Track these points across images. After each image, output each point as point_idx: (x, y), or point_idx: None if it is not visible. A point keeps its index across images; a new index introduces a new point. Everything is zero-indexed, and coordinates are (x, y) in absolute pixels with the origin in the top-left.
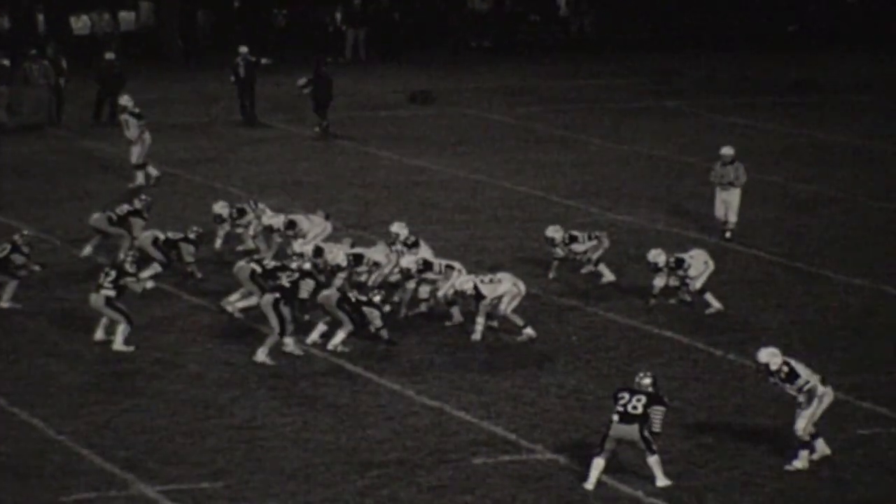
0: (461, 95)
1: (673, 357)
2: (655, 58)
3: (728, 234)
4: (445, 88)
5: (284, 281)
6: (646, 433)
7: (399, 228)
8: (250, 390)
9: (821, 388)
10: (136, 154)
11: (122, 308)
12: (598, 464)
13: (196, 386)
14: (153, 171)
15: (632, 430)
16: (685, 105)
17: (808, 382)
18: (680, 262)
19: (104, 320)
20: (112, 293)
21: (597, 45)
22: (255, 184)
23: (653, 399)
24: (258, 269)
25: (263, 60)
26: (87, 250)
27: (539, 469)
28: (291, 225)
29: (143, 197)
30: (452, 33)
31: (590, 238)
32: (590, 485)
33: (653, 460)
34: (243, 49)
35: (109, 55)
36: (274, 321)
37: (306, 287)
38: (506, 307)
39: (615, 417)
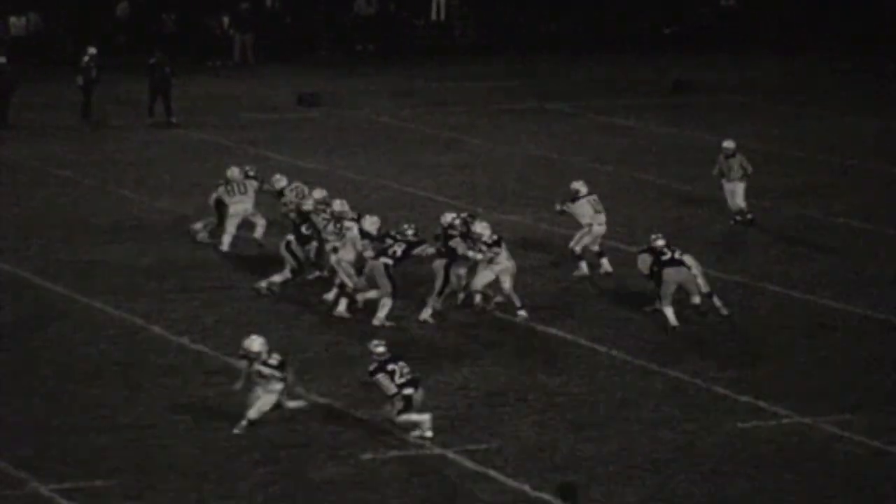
0: (348, 97)
1: (559, 353)
2: (536, 60)
3: (750, 216)
4: (332, 91)
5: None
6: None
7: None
8: (142, 389)
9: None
10: None
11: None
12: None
13: (88, 385)
14: None
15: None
16: (567, 106)
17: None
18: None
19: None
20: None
21: (479, 48)
22: (146, 186)
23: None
24: (390, 262)
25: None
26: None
27: (428, 464)
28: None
29: None
30: (338, 36)
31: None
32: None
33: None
34: (92, 50)
35: (1, 59)
36: (388, 285)
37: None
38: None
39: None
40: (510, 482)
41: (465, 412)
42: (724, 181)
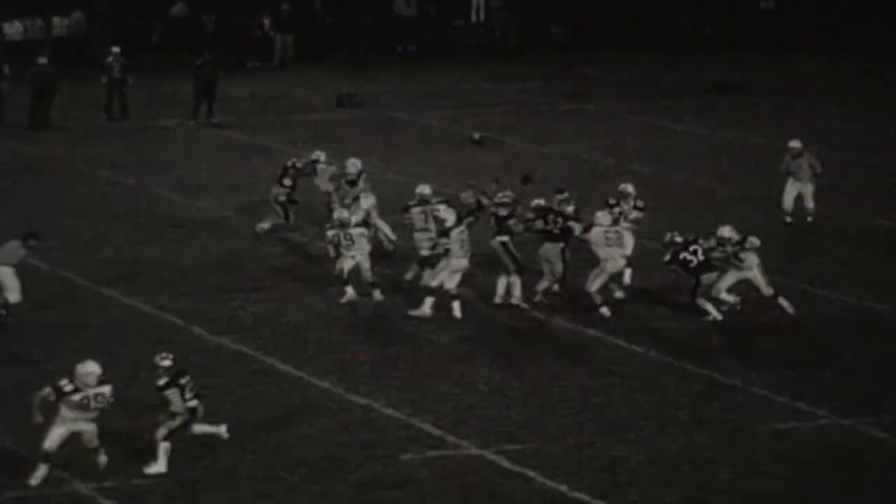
0: (387, 99)
1: (597, 354)
2: (575, 61)
3: (809, 219)
4: (372, 92)
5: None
6: None
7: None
8: None
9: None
10: None
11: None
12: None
13: (129, 385)
14: None
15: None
16: (606, 107)
17: None
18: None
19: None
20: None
21: (519, 49)
22: (190, 185)
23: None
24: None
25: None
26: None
27: (466, 464)
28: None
29: None
30: (378, 38)
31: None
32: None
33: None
34: (115, 49)
35: (42, 60)
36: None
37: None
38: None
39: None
40: (548, 483)
41: (502, 412)
42: (790, 180)
